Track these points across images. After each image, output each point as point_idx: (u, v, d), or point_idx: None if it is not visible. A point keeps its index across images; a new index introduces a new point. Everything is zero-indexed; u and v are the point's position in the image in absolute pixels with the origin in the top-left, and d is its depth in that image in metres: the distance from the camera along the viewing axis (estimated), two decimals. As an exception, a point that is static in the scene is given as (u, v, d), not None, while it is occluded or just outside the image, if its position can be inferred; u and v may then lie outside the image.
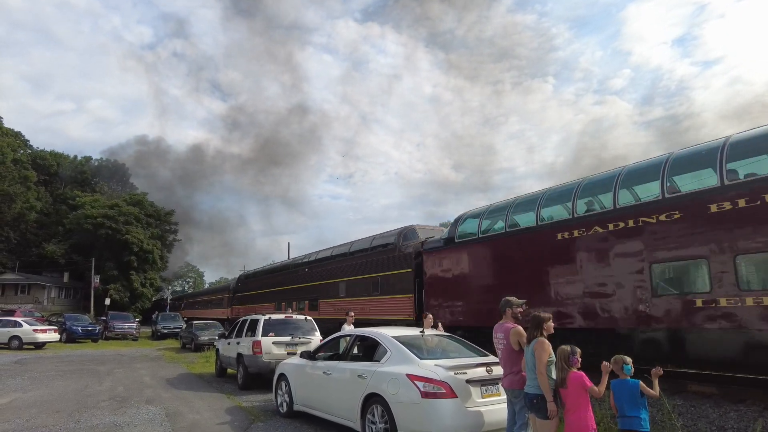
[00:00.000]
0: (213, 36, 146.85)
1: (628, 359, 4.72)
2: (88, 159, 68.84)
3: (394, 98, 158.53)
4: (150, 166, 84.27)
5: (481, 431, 5.54)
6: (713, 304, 8.31)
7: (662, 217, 9.24)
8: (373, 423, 6.09)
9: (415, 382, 5.59)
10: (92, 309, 45.18)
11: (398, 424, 5.67)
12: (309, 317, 12.66)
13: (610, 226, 10.16)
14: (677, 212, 9.01)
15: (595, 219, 10.54)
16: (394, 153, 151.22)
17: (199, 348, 22.06)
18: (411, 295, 16.16)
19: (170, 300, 54.48)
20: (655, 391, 4.58)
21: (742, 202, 8.10)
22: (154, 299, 55.04)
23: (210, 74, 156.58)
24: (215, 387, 11.87)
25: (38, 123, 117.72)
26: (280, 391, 8.59)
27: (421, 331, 7.05)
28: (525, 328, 5.19)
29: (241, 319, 13.36)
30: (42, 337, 22.93)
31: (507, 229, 12.86)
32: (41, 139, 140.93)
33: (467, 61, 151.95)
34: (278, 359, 10.04)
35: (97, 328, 29.00)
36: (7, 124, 50.22)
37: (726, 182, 8.37)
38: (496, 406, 5.64)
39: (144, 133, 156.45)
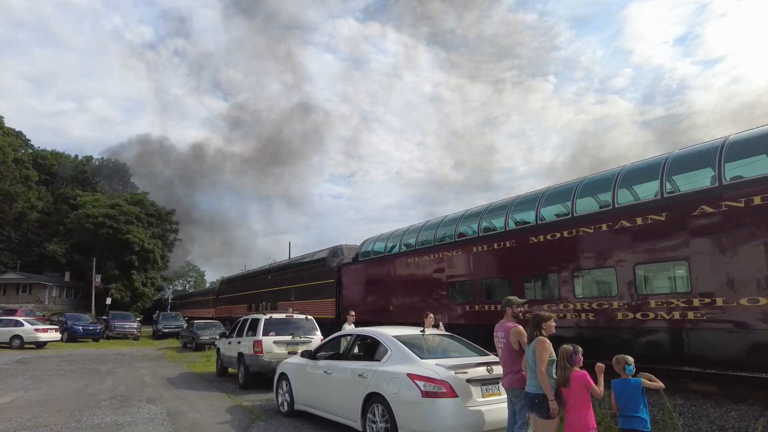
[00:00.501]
0: (214, 35, 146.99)
1: (630, 359, 4.73)
2: (88, 158, 68.94)
3: (395, 97, 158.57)
4: (151, 165, 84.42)
5: (481, 430, 5.54)
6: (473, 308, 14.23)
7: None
8: (374, 422, 6.09)
9: (416, 381, 5.60)
10: (93, 308, 45.24)
11: (399, 424, 5.68)
12: (310, 317, 12.67)
13: (432, 256, 15.89)
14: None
15: (431, 248, 16.10)
16: (395, 152, 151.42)
17: (200, 347, 22.07)
18: (333, 299, 22.10)
19: (171, 299, 54.50)
20: (658, 383, 4.60)
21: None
22: (155, 299, 55.08)
23: (210, 73, 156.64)
24: (216, 386, 11.88)
25: (40, 123, 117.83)
26: (280, 391, 8.59)
27: (421, 331, 7.05)
28: (525, 328, 5.20)
29: (242, 319, 13.37)
30: (43, 337, 22.95)
31: (386, 253, 18.68)
32: (42, 138, 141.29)
33: (468, 60, 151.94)
34: (279, 358, 10.04)
35: (98, 327, 29.03)
36: (8, 124, 50.23)
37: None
38: (496, 406, 5.64)
39: (146, 132, 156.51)
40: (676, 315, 9.18)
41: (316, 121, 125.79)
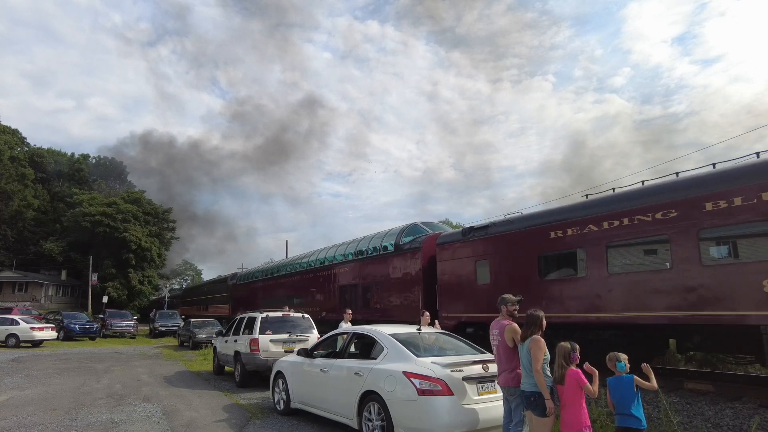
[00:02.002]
0: (213, 33, 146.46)
1: (622, 356, 4.75)
2: (85, 157, 68.65)
3: (394, 96, 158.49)
4: (149, 162, 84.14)
5: (477, 428, 5.55)
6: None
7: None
8: (370, 420, 6.10)
9: (412, 379, 5.60)
10: (90, 307, 45.11)
11: (395, 422, 5.68)
12: (306, 315, 12.66)
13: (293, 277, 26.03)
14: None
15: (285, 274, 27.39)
16: (394, 151, 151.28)
17: (197, 346, 22.04)
18: (228, 305, 35.22)
19: (168, 298, 54.41)
20: (652, 383, 4.61)
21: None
22: (152, 298, 54.98)
23: (210, 72, 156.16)
24: (213, 385, 11.87)
25: (39, 120, 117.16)
26: (277, 389, 8.59)
27: (417, 329, 7.06)
28: (520, 325, 5.21)
29: (238, 317, 13.35)
30: (39, 335, 22.86)
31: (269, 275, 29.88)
32: (41, 136, 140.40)
33: (468, 59, 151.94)
34: (276, 357, 10.05)
35: (95, 326, 28.92)
36: (6, 122, 50.22)
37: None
38: (492, 404, 5.65)
39: (144, 129, 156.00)
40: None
41: (314, 119, 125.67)
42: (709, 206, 8.45)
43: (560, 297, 10.93)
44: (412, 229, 17.70)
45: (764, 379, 9.51)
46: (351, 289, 19.83)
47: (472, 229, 14.10)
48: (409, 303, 16.12)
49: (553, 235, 11.22)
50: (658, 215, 9.16)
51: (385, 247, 18.17)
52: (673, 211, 8.96)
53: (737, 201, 8.09)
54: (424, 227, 17.71)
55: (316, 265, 23.34)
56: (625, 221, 9.74)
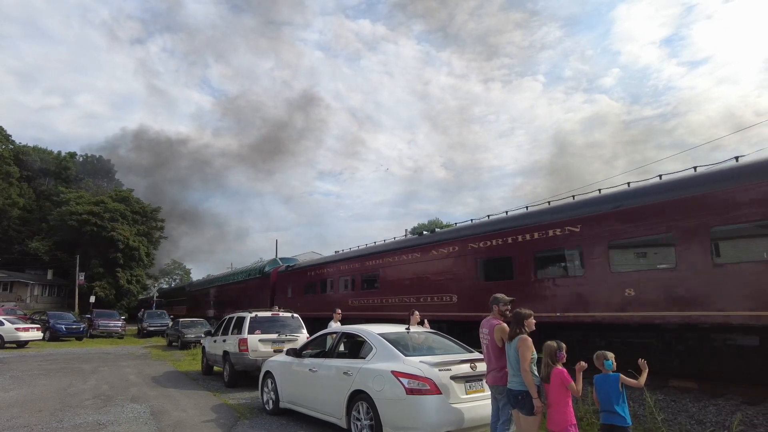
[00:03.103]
0: (203, 30, 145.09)
1: (610, 354, 4.82)
2: (72, 155, 67.74)
3: (385, 95, 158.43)
4: (138, 160, 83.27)
5: (465, 427, 5.59)
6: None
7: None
8: (359, 420, 6.12)
9: (400, 378, 5.63)
10: (77, 307, 44.56)
11: (383, 421, 5.71)
12: (296, 315, 12.64)
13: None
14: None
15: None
16: (385, 150, 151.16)
17: (185, 346, 21.89)
18: (185, 306, 43.49)
19: (156, 297, 53.93)
20: (640, 381, 4.69)
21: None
22: (140, 297, 54.44)
23: (200, 69, 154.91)
24: (201, 385, 11.81)
25: (26, 118, 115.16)
26: (266, 389, 8.57)
27: (406, 328, 7.09)
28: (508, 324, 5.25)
29: (227, 317, 13.30)
30: (24, 336, 22.51)
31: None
32: (28, 134, 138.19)
33: (458, 58, 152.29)
34: (264, 357, 10.03)
35: (82, 326, 28.54)
36: (-10, 119, 49.12)
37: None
38: (480, 402, 5.70)
39: (133, 127, 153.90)
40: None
41: (305, 118, 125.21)
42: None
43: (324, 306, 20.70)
44: (273, 262, 31.37)
45: (746, 376, 9.68)
46: (238, 297, 33.17)
47: (288, 267, 27.87)
48: (265, 305, 26.22)
49: (312, 273, 24.15)
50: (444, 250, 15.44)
51: (257, 270, 31.95)
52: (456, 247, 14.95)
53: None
54: (279, 261, 31.23)
55: (223, 281, 38.47)
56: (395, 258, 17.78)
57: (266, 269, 29.92)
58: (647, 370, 4.82)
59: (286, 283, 26.72)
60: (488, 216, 15.08)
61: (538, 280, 11.89)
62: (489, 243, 13.49)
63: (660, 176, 10.62)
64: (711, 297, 8.61)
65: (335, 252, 23.79)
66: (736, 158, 9.28)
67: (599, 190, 11.66)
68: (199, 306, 40.93)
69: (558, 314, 11.14)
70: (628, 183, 10.96)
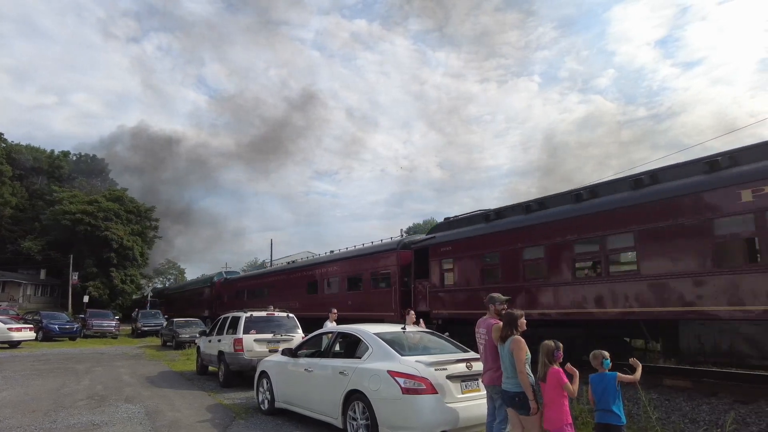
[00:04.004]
0: (199, 30, 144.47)
1: (607, 354, 4.84)
2: (65, 154, 67.24)
3: (381, 95, 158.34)
4: (132, 159, 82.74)
5: (461, 426, 5.60)
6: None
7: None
8: (355, 419, 6.12)
9: (396, 378, 5.63)
10: (70, 306, 44.26)
11: (379, 420, 5.71)
12: (291, 314, 12.62)
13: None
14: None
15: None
16: (381, 150, 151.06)
17: (180, 345, 21.81)
18: (162, 308, 43.03)
19: (150, 297, 53.69)
20: (636, 376, 4.74)
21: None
22: (134, 297, 54.16)
23: (195, 68, 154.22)
24: (196, 385, 11.77)
25: (19, 116, 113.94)
26: (261, 389, 8.56)
27: (402, 328, 7.09)
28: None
29: (222, 317, 13.26)
30: (17, 336, 22.31)
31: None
32: (21, 132, 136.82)
33: (455, 59, 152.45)
34: (260, 356, 10.00)
35: (75, 326, 28.33)
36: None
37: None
38: (475, 402, 5.71)
39: (128, 126, 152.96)
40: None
41: (302, 117, 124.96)
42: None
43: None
44: (219, 274, 39.81)
45: (740, 375, 9.77)
46: (196, 299, 41.61)
47: (225, 279, 36.39)
48: (210, 307, 36.43)
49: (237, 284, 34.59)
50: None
51: (207, 280, 40.69)
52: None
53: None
54: (224, 273, 39.78)
55: (188, 287, 49.37)
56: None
57: (214, 279, 38.85)
58: (641, 366, 4.86)
59: (223, 291, 35.89)
60: (349, 247, 23.59)
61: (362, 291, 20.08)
62: (347, 266, 21.58)
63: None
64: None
65: (290, 262, 33.81)
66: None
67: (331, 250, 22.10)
68: (173, 306, 46.70)
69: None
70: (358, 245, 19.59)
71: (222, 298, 35.07)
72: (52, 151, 65.30)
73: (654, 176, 10.11)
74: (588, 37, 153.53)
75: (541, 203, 12.52)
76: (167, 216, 66.52)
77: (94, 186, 63.25)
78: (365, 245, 21.38)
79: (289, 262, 32.97)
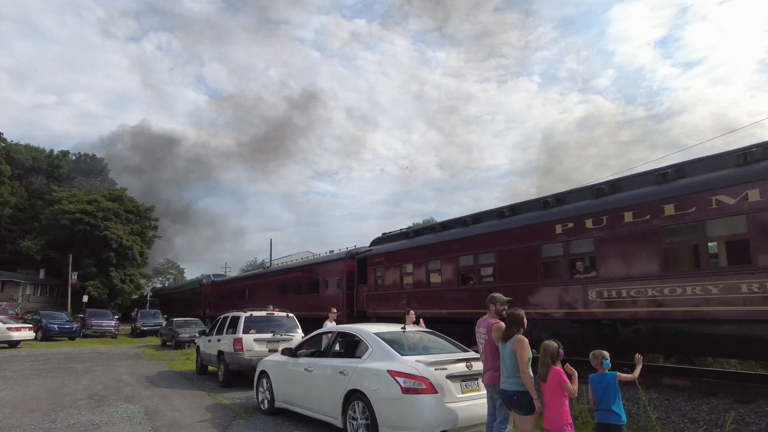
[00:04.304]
0: (199, 30, 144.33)
1: (607, 354, 4.84)
2: (65, 153, 67.18)
3: (381, 95, 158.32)
4: (132, 159, 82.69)
5: (461, 426, 5.60)
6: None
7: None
8: (354, 419, 6.11)
9: (396, 377, 5.63)
10: (69, 306, 44.22)
11: (379, 420, 5.71)
12: (291, 314, 12.62)
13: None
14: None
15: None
16: (380, 150, 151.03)
17: (179, 345, 21.80)
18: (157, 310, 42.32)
19: (150, 297, 53.65)
20: (634, 374, 4.75)
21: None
22: (134, 296, 54.12)
23: (195, 68, 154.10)
24: (196, 384, 11.76)
25: (18, 116, 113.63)
26: (261, 388, 8.55)
27: (402, 328, 7.09)
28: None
29: (222, 316, 13.25)
30: (16, 336, 22.30)
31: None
32: (20, 132, 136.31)
33: (454, 59, 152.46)
34: (259, 356, 10.00)
35: (75, 325, 28.31)
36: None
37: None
38: (476, 402, 5.71)
39: (127, 126, 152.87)
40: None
41: (301, 117, 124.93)
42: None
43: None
44: (208, 277, 44.29)
45: (739, 375, 9.77)
46: (188, 299, 45.18)
47: (212, 282, 40.46)
48: (200, 307, 39.26)
49: (221, 287, 38.75)
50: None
51: (197, 282, 45.69)
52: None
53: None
54: (212, 276, 44.59)
55: (182, 288, 52.79)
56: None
57: (202, 282, 43.34)
58: (641, 365, 4.85)
59: (210, 292, 39.48)
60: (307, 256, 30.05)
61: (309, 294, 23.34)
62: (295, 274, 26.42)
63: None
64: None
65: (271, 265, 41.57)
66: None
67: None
68: (168, 306, 48.63)
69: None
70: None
71: (209, 298, 38.98)
72: (52, 151, 65.27)
73: (514, 209, 13.23)
74: (588, 37, 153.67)
75: (464, 222, 15.02)
76: (167, 216, 66.61)
77: (93, 186, 63.25)
78: (324, 254, 25.35)
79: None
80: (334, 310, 12.09)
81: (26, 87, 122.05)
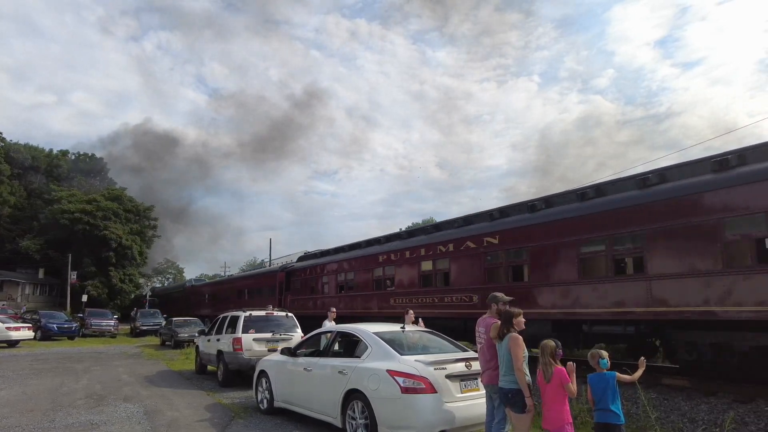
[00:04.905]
0: (199, 30, 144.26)
1: (605, 353, 4.84)
2: (64, 153, 67.07)
3: (381, 95, 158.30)
4: (131, 158, 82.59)
5: (460, 426, 5.60)
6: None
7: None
8: (354, 419, 6.11)
9: (395, 377, 5.63)
10: (68, 306, 44.16)
11: (379, 420, 5.70)
12: (290, 314, 12.61)
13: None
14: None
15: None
16: (380, 149, 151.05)
17: (179, 345, 21.78)
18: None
19: (149, 296, 53.59)
20: (635, 377, 4.74)
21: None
22: (133, 296, 54.04)
23: (195, 68, 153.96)
24: (195, 384, 11.75)
25: (18, 115, 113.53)
26: (260, 388, 8.55)
27: (401, 327, 7.08)
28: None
29: (221, 316, 13.24)
30: (15, 335, 22.28)
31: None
32: (19, 131, 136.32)
33: (454, 58, 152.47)
34: (259, 356, 9.99)
35: (74, 325, 28.28)
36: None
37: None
38: (474, 401, 5.71)
39: (127, 125, 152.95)
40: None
41: (302, 117, 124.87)
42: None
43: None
44: (197, 280, 58.08)
45: (739, 375, 9.76)
46: (176, 300, 48.63)
47: (192, 285, 48.88)
48: (185, 308, 41.56)
49: (198, 290, 45.31)
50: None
51: (181, 286, 53.98)
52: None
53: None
54: (192, 281, 54.33)
55: (171, 290, 57.38)
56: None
57: (186, 285, 50.81)
58: (644, 368, 4.85)
59: (190, 295, 45.49)
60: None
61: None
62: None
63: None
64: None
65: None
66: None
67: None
68: (164, 306, 51.47)
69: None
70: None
71: (190, 300, 45.24)
72: (51, 150, 65.17)
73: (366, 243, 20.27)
74: (588, 37, 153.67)
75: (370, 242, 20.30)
76: (166, 215, 66.51)
77: (92, 185, 63.08)
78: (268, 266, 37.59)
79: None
80: (334, 310, 12.10)
81: (26, 86, 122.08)
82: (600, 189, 11.19)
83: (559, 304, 11.01)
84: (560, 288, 11.03)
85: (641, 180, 10.10)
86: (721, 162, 8.87)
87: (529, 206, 12.50)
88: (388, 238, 19.07)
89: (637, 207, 9.67)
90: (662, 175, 9.88)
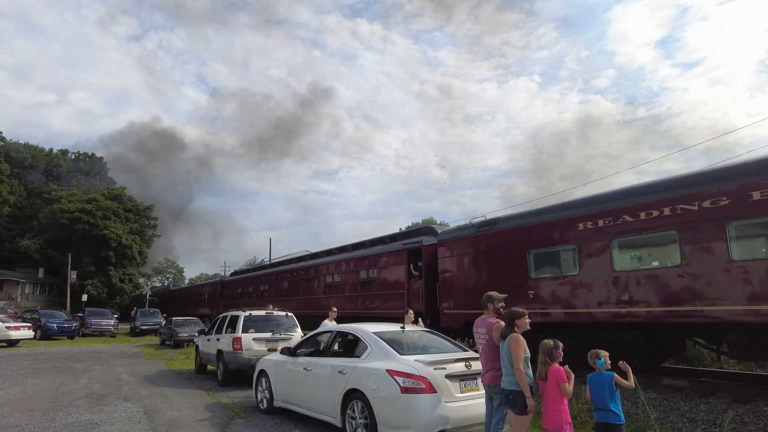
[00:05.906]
0: (199, 28, 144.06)
1: (603, 353, 4.84)
2: (64, 152, 67.07)
3: (382, 94, 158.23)
4: (132, 158, 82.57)
5: (459, 426, 5.60)
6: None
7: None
8: (353, 418, 6.12)
9: (395, 377, 5.63)
10: (68, 305, 44.17)
11: (378, 420, 5.71)
12: (290, 313, 12.62)
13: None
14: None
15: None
16: (380, 149, 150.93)
17: (178, 344, 21.80)
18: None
19: (149, 296, 53.59)
20: (630, 382, 4.71)
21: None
22: (133, 295, 54.04)
23: (196, 67, 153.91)
24: (195, 384, 11.76)
25: (18, 115, 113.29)
26: (260, 388, 8.56)
27: (401, 327, 7.09)
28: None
29: (221, 316, 13.25)
30: (15, 335, 22.27)
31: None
32: (19, 131, 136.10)
33: (455, 58, 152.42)
34: (259, 355, 10.00)
35: (74, 324, 28.27)
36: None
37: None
38: (474, 401, 5.71)
39: (127, 124, 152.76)
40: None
41: (303, 116, 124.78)
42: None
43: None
44: (173, 285, 71.39)
45: (738, 374, 9.79)
46: (166, 301, 51.15)
47: (171, 289, 59.23)
48: (171, 311, 43.38)
49: (175, 294, 54.34)
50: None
51: (167, 289, 62.61)
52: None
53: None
54: (171, 286, 66.31)
55: (159, 292, 60.65)
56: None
57: (170, 288, 58.52)
58: (629, 370, 4.80)
59: (170, 298, 51.28)
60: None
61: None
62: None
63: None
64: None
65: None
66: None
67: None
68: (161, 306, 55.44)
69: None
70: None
71: (170, 302, 49.84)
72: (51, 150, 65.20)
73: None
74: (588, 37, 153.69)
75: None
76: (166, 215, 66.48)
77: (92, 185, 63.05)
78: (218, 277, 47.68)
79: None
80: (335, 309, 12.10)
81: (26, 85, 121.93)
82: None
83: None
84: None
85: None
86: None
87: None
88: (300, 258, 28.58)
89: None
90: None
